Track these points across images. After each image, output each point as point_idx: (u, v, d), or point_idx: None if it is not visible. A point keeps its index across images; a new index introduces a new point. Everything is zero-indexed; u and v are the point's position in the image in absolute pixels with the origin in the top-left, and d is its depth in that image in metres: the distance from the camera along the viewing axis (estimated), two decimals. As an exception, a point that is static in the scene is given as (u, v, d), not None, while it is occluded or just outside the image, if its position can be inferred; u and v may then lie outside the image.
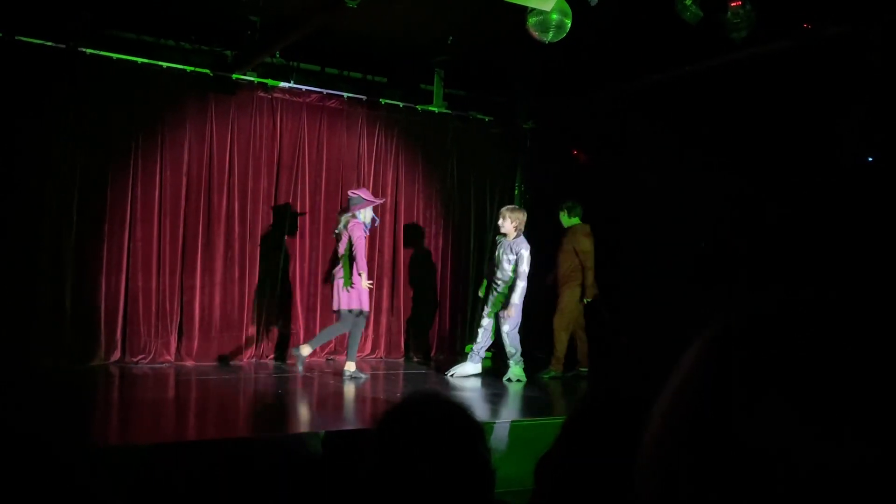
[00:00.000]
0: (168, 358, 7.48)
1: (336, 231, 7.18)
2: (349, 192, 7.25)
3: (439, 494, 1.43)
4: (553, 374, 7.69)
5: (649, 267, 7.94)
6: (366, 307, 7.01)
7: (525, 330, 7.48)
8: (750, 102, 7.11)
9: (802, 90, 6.58)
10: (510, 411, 6.32)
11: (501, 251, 7.35)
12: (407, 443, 1.44)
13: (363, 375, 7.04)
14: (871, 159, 6.02)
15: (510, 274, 7.26)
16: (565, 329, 7.74)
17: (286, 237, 8.13)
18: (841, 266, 6.18)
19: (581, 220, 7.85)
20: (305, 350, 7.02)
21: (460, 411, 1.51)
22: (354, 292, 6.86)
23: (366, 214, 7.01)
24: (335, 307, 7.03)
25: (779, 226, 6.94)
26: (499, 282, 7.35)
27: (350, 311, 6.91)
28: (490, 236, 9.08)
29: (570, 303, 7.74)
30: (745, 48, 6.12)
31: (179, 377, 6.94)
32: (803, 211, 6.67)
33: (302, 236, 8.23)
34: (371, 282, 7.15)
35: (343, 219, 7.05)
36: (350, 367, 6.97)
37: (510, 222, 7.28)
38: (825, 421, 0.48)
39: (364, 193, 7.12)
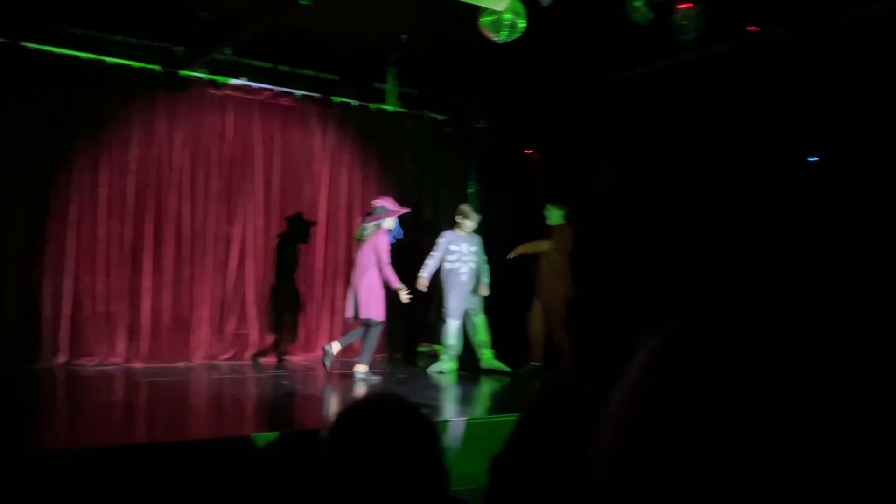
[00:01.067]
0: (117, 360, 7.32)
1: (357, 236, 7.18)
2: (373, 202, 7.18)
3: (393, 494, 1.42)
4: (533, 366, 7.88)
5: (604, 266, 8.05)
6: (380, 318, 6.93)
7: (501, 326, 7.95)
8: (699, 103, 7.24)
9: (749, 91, 6.73)
10: (467, 409, 6.34)
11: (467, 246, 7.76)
12: (360, 443, 1.44)
13: (374, 378, 6.98)
14: (815, 159, 6.18)
15: (475, 265, 7.79)
16: (540, 325, 7.91)
17: (239, 237, 8.02)
18: (789, 266, 6.35)
19: (565, 220, 8.00)
20: (335, 347, 6.98)
21: (413, 411, 1.51)
22: (374, 301, 6.84)
23: (391, 224, 7.03)
24: (349, 314, 7.00)
25: (730, 228, 7.09)
26: (464, 276, 7.71)
27: (367, 320, 6.89)
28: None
29: (550, 300, 7.87)
30: (693, 50, 6.23)
31: (129, 379, 6.80)
32: (754, 212, 6.82)
33: (255, 236, 8.13)
34: (409, 293, 7.10)
35: (369, 227, 7.00)
36: (362, 368, 6.95)
37: (472, 221, 7.78)
38: (747, 432, 0.49)
39: (389, 203, 7.08)
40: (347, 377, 7.31)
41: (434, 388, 7.09)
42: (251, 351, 8.07)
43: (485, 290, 7.83)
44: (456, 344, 7.72)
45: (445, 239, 7.78)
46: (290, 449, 4.26)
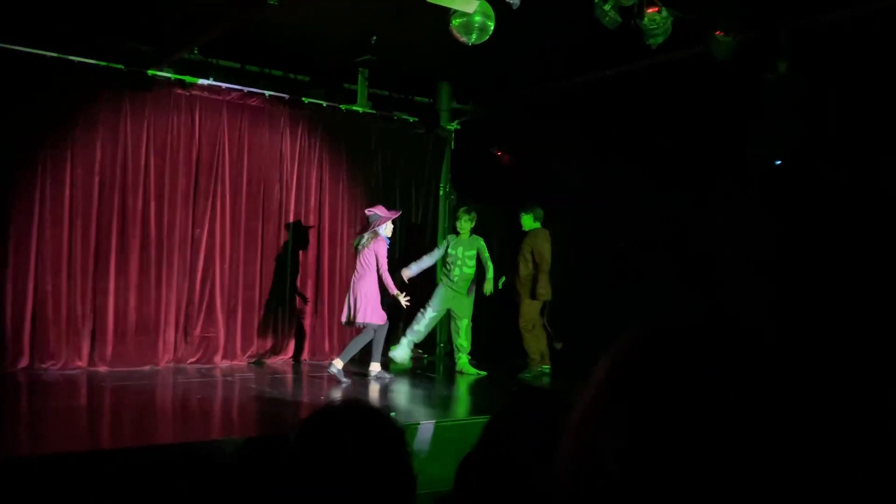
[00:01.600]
0: (80, 364, 7.20)
1: (357, 245, 7.30)
2: (366, 211, 7.41)
3: (359, 500, 1.41)
4: (533, 373, 7.90)
5: (575, 267, 8.12)
6: (381, 321, 7.11)
7: (480, 331, 8.18)
8: (666, 106, 7.32)
9: (714, 94, 6.82)
10: (436, 412, 6.33)
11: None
12: (325, 450, 1.42)
13: (387, 376, 7.27)
14: (778, 162, 6.27)
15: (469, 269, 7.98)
16: (529, 330, 7.96)
17: (206, 239, 7.93)
18: (749, 269, 6.43)
19: (541, 224, 8.09)
20: (338, 364, 7.03)
21: (380, 416, 1.50)
22: (371, 306, 7.03)
23: (387, 229, 7.24)
24: (344, 319, 7.20)
25: (694, 230, 7.17)
26: (454, 277, 7.96)
27: (366, 324, 7.07)
28: (421, 235, 9.20)
29: (529, 305, 7.94)
30: (661, 53, 6.29)
31: (93, 383, 6.69)
32: (717, 214, 6.90)
33: (223, 238, 8.05)
34: (407, 297, 7.27)
35: (366, 235, 7.19)
36: (375, 367, 7.20)
37: (460, 223, 7.97)
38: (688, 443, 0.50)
39: (381, 210, 7.28)
40: (317, 380, 7.28)
41: (404, 392, 7.08)
42: (220, 354, 7.97)
43: (488, 287, 7.91)
44: (421, 331, 7.97)
45: (446, 241, 8.14)
46: (258, 454, 4.22)
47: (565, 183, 8.38)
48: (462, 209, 8.07)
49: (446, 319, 8.34)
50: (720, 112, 6.81)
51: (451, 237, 8.11)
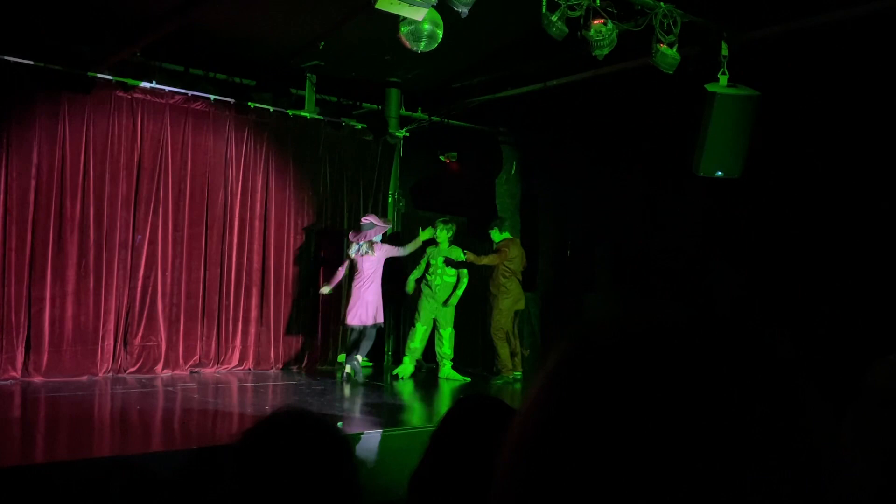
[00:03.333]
0: (14, 374, 6.93)
1: (352, 253, 7.82)
2: (363, 219, 8.01)
3: (301, 514, 1.38)
4: (504, 379, 8.07)
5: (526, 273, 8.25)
6: (381, 320, 7.81)
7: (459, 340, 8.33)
8: (611, 114, 7.44)
9: (659, 104, 6.95)
10: (382, 421, 6.28)
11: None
12: (267, 461, 1.39)
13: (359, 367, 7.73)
14: (720, 174, 6.41)
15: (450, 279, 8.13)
16: (500, 336, 8.14)
17: (147, 245, 7.74)
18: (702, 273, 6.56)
19: (508, 235, 8.37)
20: (358, 360, 7.63)
21: (324, 427, 1.47)
22: (381, 308, 7.73)
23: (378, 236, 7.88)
24: (360, 322, 7.64)
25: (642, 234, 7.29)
26: (435, 287, 8.12)
27: (375, 324, 7.72)
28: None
29: (501, 311, 8.14)
30: (607, 64, 6.39)
31: (26, 394, 6.45)
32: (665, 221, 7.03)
33: (164, 244, 7.86)
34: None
35: (363, 244, 7.76)
36: (360, 358, 7.71)
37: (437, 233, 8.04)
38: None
39: (374, 219, 7.93)
40: (261, 389, 7.16)
41: (350, 400, 7.01)
42: (161, 363, 7.78)
43: (453, 301, 8.11)
44: (418, 347, 8.16)
45: (426, 254, 8.25)
46: (199, 467, 4.11)
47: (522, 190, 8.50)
48: (440, 220, 8.21)
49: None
50: (664, 122, 6.95)
51: (430, 249, 8.22)
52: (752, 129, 6.26)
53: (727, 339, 0.54)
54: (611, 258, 8.21)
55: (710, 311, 0.58)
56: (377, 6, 5.06)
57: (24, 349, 7.02)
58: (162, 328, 7.80)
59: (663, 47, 5.94)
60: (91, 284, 7.37)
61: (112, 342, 7.50)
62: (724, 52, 6.25)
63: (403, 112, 9.29)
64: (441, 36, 5.59)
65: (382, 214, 9.48)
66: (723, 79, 6.26)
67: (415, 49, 5.65)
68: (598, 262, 8.34)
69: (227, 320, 8.26)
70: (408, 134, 9.51)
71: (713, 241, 7.02)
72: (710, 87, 6.25)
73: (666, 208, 7.51)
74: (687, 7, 6.03)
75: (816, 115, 6.38)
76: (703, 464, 0.48)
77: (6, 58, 6.86)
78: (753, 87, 6.27)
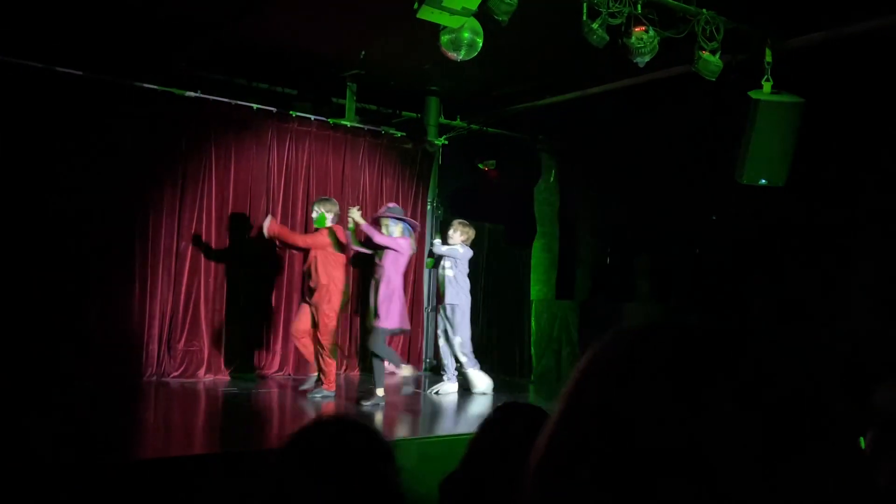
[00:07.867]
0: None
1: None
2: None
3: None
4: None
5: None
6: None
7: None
8: (651, 122, 7.38)
9: (700, 112, 6.88)
10: (422, 428, 6.30)
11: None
12: (311, 467, 1.41)
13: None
14: (763, 182, 6.32)
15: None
16: None
17: (190, 251, 7.89)
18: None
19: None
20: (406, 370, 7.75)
21: (368, 433, 1.49)
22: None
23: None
24: (403, 327, 7.21)
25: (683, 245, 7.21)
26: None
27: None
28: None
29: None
30: (647, 72, 6.35)
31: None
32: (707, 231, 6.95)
33: (207, 251, 7.99)
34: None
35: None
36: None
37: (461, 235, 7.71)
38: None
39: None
40: (302, 394, 7.22)
41: (395, 407, 7.04)
42: (203, 368, 7.90)
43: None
44: (450, 362, 7.67)
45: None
46: (242, 470, 4.17)
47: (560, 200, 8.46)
48: (456, 221, 7.95)
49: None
50: (705, 130, 6.87)
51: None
52: (796, 136, 6.15)
53: (751, 345, 0.55)
54: (650, 268, 8.12)
55: (743, 321, 0.58)
56: (418, 16, 5.10)
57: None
58: (205, 333, 7.93)
59: (706, 54, 5.87)
60: (136, 290, 7.53)
61: (156, 346, 7.64)
62: (768, 58, 6.16)
63: (442, 120, 9.32)
64: (481, 44, 5.61)
65: (421, 222, 9.51)
66: (766, 86, 6.17)
67: (455, 58, 5.67)
68: (638, 271, 8.24)
69: (267, 327, 8.36)
70: (447, 142, 9.54)
71: (755, 251, 6.92)
72: (753, 94, 6.16)
73: (707, 218, 7.42)
74: (730, 14, 5.97)
75: (862, 123, 6.26)
76: (726, 462, 0.49)
77: (57, 68, 7.03)
78: (797, 95, 6.17)
